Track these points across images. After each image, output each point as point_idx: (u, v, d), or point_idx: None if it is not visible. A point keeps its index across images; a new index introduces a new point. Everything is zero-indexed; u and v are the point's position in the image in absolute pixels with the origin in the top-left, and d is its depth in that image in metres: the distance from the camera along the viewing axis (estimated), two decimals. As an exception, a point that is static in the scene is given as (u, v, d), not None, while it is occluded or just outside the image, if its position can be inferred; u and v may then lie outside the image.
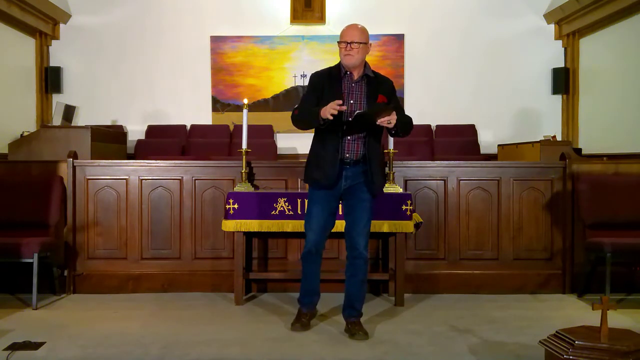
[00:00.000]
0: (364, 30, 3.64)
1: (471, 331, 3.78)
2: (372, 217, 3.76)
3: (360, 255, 3.70)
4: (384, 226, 4.41)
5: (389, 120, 3.47)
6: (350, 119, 3.52)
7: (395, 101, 3.73)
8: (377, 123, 3.49)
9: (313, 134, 3.79)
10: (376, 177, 3.67)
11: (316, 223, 3.72)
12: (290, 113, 3.81)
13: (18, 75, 8.12)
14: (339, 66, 3.72)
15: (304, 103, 3.73)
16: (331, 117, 3.43)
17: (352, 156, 3.65)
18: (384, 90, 3.70)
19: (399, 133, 3.65)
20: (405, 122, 3.65)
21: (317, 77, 3.76)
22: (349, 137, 3.62)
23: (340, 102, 3.45)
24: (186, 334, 3.72)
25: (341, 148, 3.62)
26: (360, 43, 3.59)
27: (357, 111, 3.50)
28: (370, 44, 3.70)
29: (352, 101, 3.64)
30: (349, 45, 3.58)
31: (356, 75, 3.67)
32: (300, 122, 3.71)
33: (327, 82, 3.69)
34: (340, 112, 3.47)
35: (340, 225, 3.89)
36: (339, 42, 3.65)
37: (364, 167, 3.66)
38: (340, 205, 3.84)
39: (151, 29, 8.74)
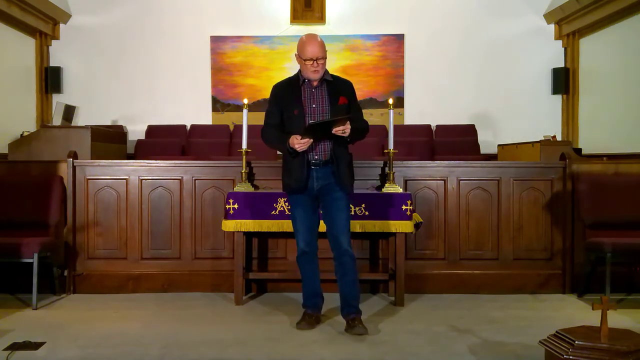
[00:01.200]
0: (323, 43, 3.76)
1: (471, 331, 3.78)
2: (350, 214, 3.90)
3: (346, 252, 3.76)
4: (384, 226, 4.41)
5: (343, 129, 3.60)
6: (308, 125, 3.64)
7: (355, 103, 3.88)
8: (332, 132, 3.61)
9: None
10: (344, 177, 3.78)
11: (302, 224, 3.83)
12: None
13: (18, 75, 8.13)
14: (297, 75, 3.85)
15: (268, 118, 3.86)
16: (299, 150, 3.63)
17: (321, 157, 3.77)
18: (344, 92, 3.82)
19: (353, 141, 3.78)
20: (360, 130, 3.79)
21: (277, 88, 3.90)
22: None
23: (299, 137, 3.59)
24: (186, 334, 3.72)
25: (309, 152, 3.74)
26: (324, 58, 3.73)
27: (310, 122, 3.65)
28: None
29: (314, 105, 3.77)
30: (315, 62, 3.70)
31: (315, 81, 3.79)
32: (271, 146, 3.94)
33: (287, 91, 3.83)
34: (302, 117, 3.70)
35: (323, 226, 3.96)
36: (303, 59, 3.72)
37: (332, 167, 3.78)
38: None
39: (151, 29, 8.75)
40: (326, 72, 3.80)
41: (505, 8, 8.73)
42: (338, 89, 3.81)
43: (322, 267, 4.02)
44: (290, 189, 3.82)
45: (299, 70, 3.83)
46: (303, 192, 3.79)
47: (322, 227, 3.93)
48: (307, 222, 3.83)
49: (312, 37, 3.77)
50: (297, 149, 3.64)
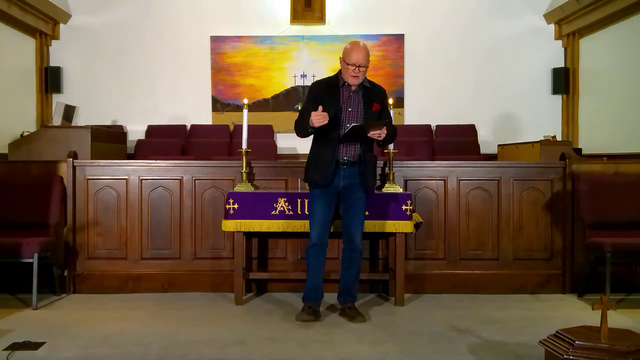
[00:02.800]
0: (368, 53, 3.94)
1: (471, 331, 3.78)
2: (364, 214, 4.11)
3: (357, 248, 4.03)
4: (384, 226, 4.41)
5: (379, 134, 3.82)
6: (347, 126, 3.83)
7: (386, 109, 4.12)
8: (369, 135, 3.82)
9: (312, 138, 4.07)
10: (369, 178, 4.01)
11: (320, 218, 4.00)
12: (290, 113, 4.00)
13: (18, 75, 8.13)
14: (337, 77, 4.02)
15: (304, 111, 3.97)
16: (317, 126, 3.78)
17: (350, 158, 3.97)
18: (377, 99, 4.02)
19: (385, 144, 4.07)
20: (391, 135, 4.02)
21: (317, 86, 4.07)
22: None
23: (322, 112, 3.76)
24: (186, 334, 3.72)
25: (339, 152, 3.94)
26: (366, 66, 3.92)
27: (353, 124, 3.81)
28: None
29: (350, 109, 3.94)
30: (357, 68, 3.87)
31: (354, 86, 3.96)
32: (297, 131, 4.03)
33: (326, 92, 3.98)
34: (337, 121, 3.87)
35: (336, 226, 4.16)
36: (346, 63, 3.88)
37: (359, 168, 3.98)
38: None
39: (151, 29, 8.75)
40: (365, 78, 3.97)
41: (505, 8, 8.72)
42: (373, 95, 4.00)
43: (326, 267, 4.10)
44: (316, 184, 3.99)
45: (339, 72, 4.00)
46: (328, 187, 3.95)
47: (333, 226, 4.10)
48: (324, 217, 4.00)
49: (357, 43, 3.96)
50: (315, 124, 3.76)
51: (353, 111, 3.94)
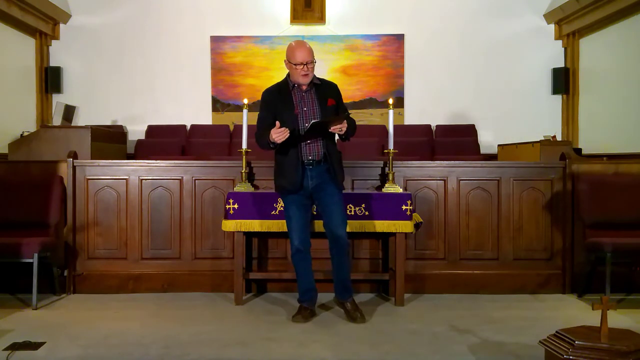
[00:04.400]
0: (311, 48, 3.92)
1: (471, 331, 3.78)
2: (345, 207, 4.13)
3: (340, 238, 3.95)
4: (384, 226, 4.41)
5: (340, 127, 3.82)
6: (306, 125, 3.82)
7: (342, 104, 4.10)
8: (330, 130, 3.84)
9: None
10: (338, 173, 3.99)
11: (296, 223, 3.99)
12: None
13: (18, 75, 8.13)
14: (286, 80, 4.02)
15: (261, 123, 4.00)
16: (278, 142, 3.79)
17: (315, 157, 3.95)
18: (331, 94, 4.01)
19: (347, 138, 3.99)
20: (353, 127, 3.96)
21: (268, 94, 4.04)
22: (308, 141, 3.93)
23: (279, 126, 3.77)
24: (186, 334, 3.72)
25: (302, 152, 3.93)
26: (313, 61, 3.90)
27: (313, 120, 3.80)
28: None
29: (305, 108, 3.94)
30: (305, 66, 3.85)
31: (305, 85, 3.95)
32: (259, 145, 4.01)
33: (278, 97, 3.99)
34: (295, 120, 3.87)
35: (319, 226, 4.14)
36: (293, 64, 3.87)
37: (325, 165, 3.96)
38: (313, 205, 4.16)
39: (151, 29, 8.75)
40: (314, 76, 3.96)
41: (505, 8, 8.72)
42: (325, 91, 4.00)
43: (317, 267, 4.12)
44: (285, 190, 3.99)
45: (287, 76, 4.01)
46: (298, 192, 3.94)
47: (315, 227, 4.09)
48: (301, 220, 3.99)
49: (300, 42, 3.95)
50: (276, 140, 3.78)
51: (309, 110, 3.93)
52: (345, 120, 3.83)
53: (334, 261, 4.04)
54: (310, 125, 3.75)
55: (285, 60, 3.95)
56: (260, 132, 3.97)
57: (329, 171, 3.95)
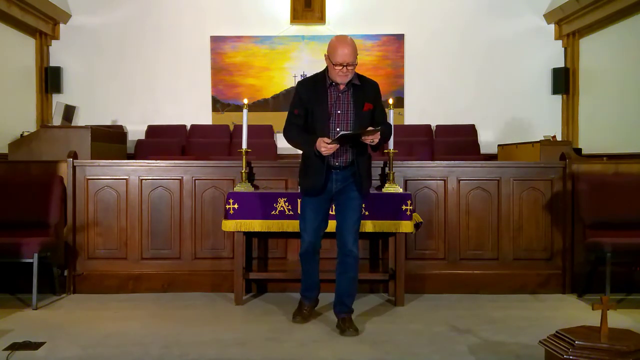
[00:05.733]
0: (356, 49, 3.62)
1: (471, 331, 3.78)
2: (361, 216, 3.88)
3: (351, 253, 3.76)
4: (384, 226, 4.41)
5: (372, 139, 3.56)
6: (337, 131, 3.63)
7: (380, 106, 3.82)
8: (362, 140, 3.59)
9: None
10: (364, 180, 3.77)
11: (310, 226, 3.84)
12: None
13: (18, 75, 8.12)
14: (324, 75, 3.74)
15: (294, 118, 3.77)
16: (324, 155, 3.58)
17: (342, 163, 3.74)
18: (369, 97, 3.74)
19: (379, 147, 3.75)
20: (385, 136, 3.73)
21: (303, 87, 3.78)
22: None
23: (328, 140, 3.54)
24: (186, 334, 3.72)
25: (329, 157, 3.69)
26: (355, 64, 3.63)
27: (341, 132, 3.56)
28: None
29: (339, 111, 3.69)
30: (345, 67, 3.58)
31: (342, 85, 3.69)
32: (296, 146, 3.80)
33: (313, 93, 3.72)
34: (326, 122, 3.64)
35: (333, 225, 3.95)
36: (332, 63, 3.60)
37: (352, 170, 3.75)
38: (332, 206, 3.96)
39: (151, 29, 8.75)
40: (355, 74, 3.70)
41: (505, 8, 8.72)
42: (364, 92, 3.73)
43: (324, 267, 4.06)
44: (308, 192, 3.81)
45: (326, 69, 3.72)
46: (320, 194, 3.77)
47: (330, 227, 3.95)
48: (316, 224, 3.84)
49: (344, 40, 3.63)
50: (323, 153, 3.58)
51: (342, 113, 3.68)
52: (377, 132, 3.54)
53: (337, 269, 3.84)
54: (339, 136, 3.53)
55: (325, 55, 3.66)
56: (294, 132, 3.75)
57: (354, 175, 3.73)
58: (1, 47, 7.60)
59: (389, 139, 3.89)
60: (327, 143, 3.55)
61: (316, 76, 3.80)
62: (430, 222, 4.93)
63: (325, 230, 3.94)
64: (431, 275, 4.91)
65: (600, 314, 2.76)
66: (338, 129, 3.65)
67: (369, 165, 3.87)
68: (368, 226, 4.42)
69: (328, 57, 3.64)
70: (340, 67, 3.58)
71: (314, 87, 3.73)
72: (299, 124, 3.75)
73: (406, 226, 4.41)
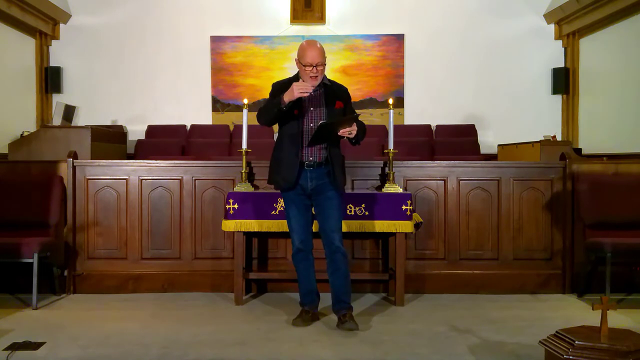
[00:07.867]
0: (323, 50, 3.79)
1: (471, 331, 3.78)
2: (342, 213, 4.01)
3: (338, 249, 3.83)
4: (384, 226, 4.41)
5: (349, 131, 3.69)
6: (312, 127, 3.74)
7: (350, 107, 3.97)
8: (339, 134, 3.70)
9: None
10: (338, 177, 3.85)
11: (296, 222, 3.90)
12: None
13: (18, 75, 8.13)
14: (297, 77, 3.89)
15: (269, 101, 3.90)
16: (297, 97, 3.63)
17: (316, 159, 3.83)
18: (340, 96, 3.90)
19: (358, 142, 3.86)
20: (363, 130, 3.86)
21: (278, 87, 3.90)
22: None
23: (304, 82, 3.69)
24: (186, 334, 3.72)
25: (304, 153, 3.81)
26: (324, 64, 3.79)
27: (321, 122, 3.69)
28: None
29: (311, 109, 3.82)
30: (314, 68, 3.74)
31: (313, 86, 3.81)
32: (265, 114, 3.84)
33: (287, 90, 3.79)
34: (299, 122, 3.76)
35: (315, 226, 4.00)
36: (302, 65, 3.76)
37: (326, 168, 3.84)
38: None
39: (151, 29, 8.75)
40: (324, 76, 3.87)
41: (505, 8, 8.72)
42: (335, 93, 3.89)
43: (319, 266, 4.04)
44: (279, 187, 3.91)
45: (298, 73, 3.89)
46: (294, 189, 3.85)
47: (316, 226, 3.97)
48: (302, 220, 3.90)
49: (312, 43, 3.82)
50: (296, 95, 3.62)
51: (315, 111, 3.82)
52: (354, 123, 3.70)
53: (328, 269, 3.87)
54: (318, 127, 3.64)
55: (295, 59, 3.84)
56: (265, 105, 3.83)
57: (329, 174, 3.82)
58: (1, 47, 7.60)
59: (364, 135, 3.92)
60: (299, 84, 3.62)
61: (290, 78, 3.95)
62: (430, 222, 4.93)
63: (314, 230, 3.98)
64: (431, 275, 4.91)
65: (600, 314, 2.76)
66: (312, 125, 3.78)
67: (342, 162, 3.97)
68: (368, 226, 4.42)
69: (298, 61, 3.81)
70: (311, 68, 3.74)
71: (288, 85, 3.82)
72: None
73: (406, 226, 4.41)
